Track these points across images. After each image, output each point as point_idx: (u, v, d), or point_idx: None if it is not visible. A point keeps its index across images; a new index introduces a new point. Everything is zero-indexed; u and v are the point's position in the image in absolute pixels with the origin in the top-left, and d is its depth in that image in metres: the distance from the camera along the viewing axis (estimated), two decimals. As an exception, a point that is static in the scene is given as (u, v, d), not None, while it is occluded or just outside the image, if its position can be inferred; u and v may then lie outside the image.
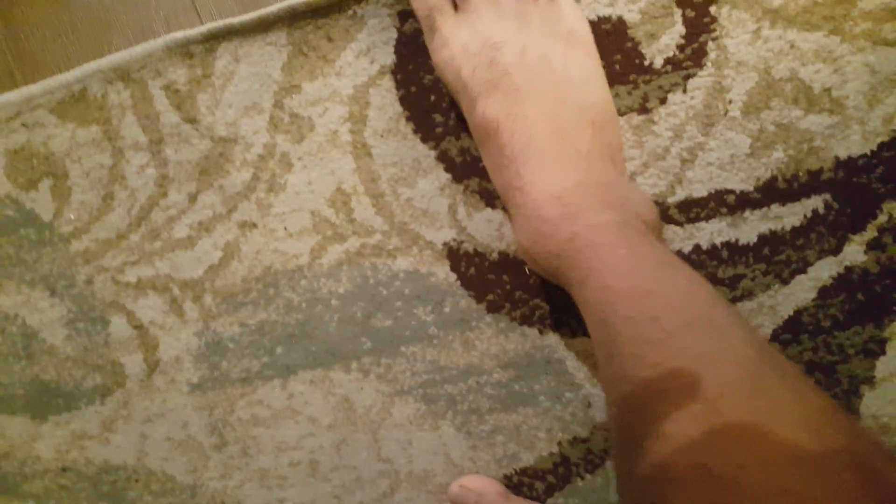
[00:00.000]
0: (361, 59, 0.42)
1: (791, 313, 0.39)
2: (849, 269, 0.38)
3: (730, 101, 0.38)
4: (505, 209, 0.41)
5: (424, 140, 0.42)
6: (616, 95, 0.39)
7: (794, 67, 0.37)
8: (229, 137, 0.43)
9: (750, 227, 0.39)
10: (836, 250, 0.38)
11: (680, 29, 0.38)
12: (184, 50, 0.43)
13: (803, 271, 0.39)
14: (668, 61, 0.39)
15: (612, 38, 0.38)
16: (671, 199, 0.39)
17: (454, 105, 0.41)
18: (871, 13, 0.37)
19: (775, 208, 0.38)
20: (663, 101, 0.39)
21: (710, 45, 0.38)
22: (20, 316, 0.48)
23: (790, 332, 0.39)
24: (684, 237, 0.40)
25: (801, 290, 0.39)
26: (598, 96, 0.37)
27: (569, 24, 0.37)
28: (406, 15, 0.41)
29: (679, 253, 0.40)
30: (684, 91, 0.39)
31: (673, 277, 0.31)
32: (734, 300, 0.39)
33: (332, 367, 0.44)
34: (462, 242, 0.42)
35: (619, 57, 0.39)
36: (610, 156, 0.37)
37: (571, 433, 0.42)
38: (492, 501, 0.42)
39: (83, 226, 0.46)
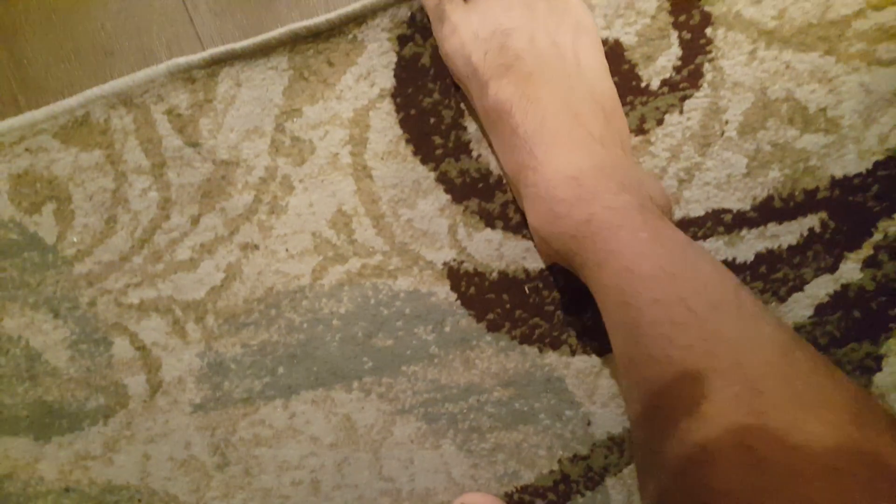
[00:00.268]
0: (362, 82, 0.42)
1: (789, 331, 0.39)
2: (845, 287, 0.39)
3: (726, 122, 0.39)
4: (506, 217, 0.42)
5: (424, 162, 0.42)
6: (613, 117, 0.39)
7: (790, 88, 0.38)
8: (231, 160, 0.44)
9: (747, 246, 0.39)
10: (833, 268, 0.39)
11: (676, 51, 0.39)
12: (186, 75, 0.43)
13: (800, 289, 0.39)
14: (664, 83, 0.39)
15: (609, 61, 0.39)
16: (669, 219, 0.40)
17: (454, 127, 0.42)
18: (865, 34, 0.37)
19: (772, 227, 0.39)
20: (660, 122, 0.39)
21: (707, 66, 0.38)
22: (24, 338, 0.48)
23: (789, 350, 0.39)
24: (682, 256, 0.40)
25: (799, 308, 0.39)
26: (607, 84, 0.37)
27: (576, 14, 0.37)
28: (405, 39, 0.41)
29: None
30: (681, 112, 0.39)
31: (696, 261, 0.31)
32: (733, 318, 0.40)
33: (333, 386, 0.45)
34: (462, 262, 0.42)
35: (616, 79, 0.39)
36: (621, 142, 0.37)
37: (572, 451, 0.42)
38: (494, 520, 0.42)
39: (86, 248, 0.46)
